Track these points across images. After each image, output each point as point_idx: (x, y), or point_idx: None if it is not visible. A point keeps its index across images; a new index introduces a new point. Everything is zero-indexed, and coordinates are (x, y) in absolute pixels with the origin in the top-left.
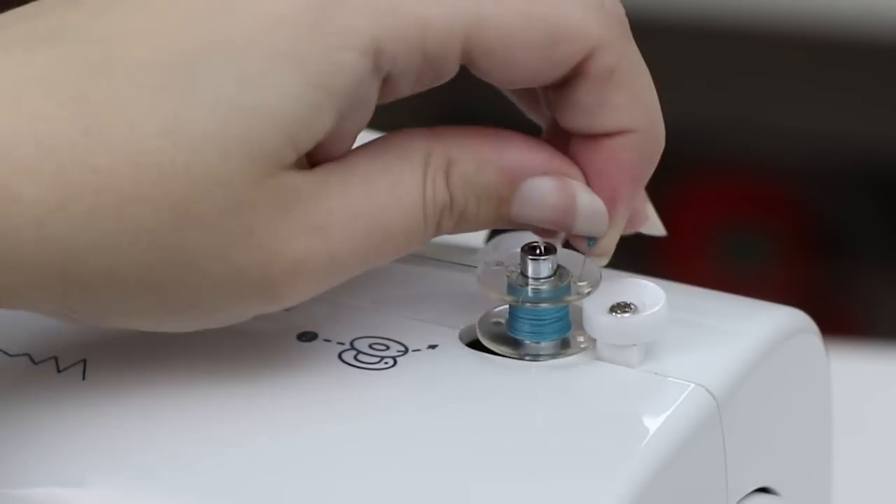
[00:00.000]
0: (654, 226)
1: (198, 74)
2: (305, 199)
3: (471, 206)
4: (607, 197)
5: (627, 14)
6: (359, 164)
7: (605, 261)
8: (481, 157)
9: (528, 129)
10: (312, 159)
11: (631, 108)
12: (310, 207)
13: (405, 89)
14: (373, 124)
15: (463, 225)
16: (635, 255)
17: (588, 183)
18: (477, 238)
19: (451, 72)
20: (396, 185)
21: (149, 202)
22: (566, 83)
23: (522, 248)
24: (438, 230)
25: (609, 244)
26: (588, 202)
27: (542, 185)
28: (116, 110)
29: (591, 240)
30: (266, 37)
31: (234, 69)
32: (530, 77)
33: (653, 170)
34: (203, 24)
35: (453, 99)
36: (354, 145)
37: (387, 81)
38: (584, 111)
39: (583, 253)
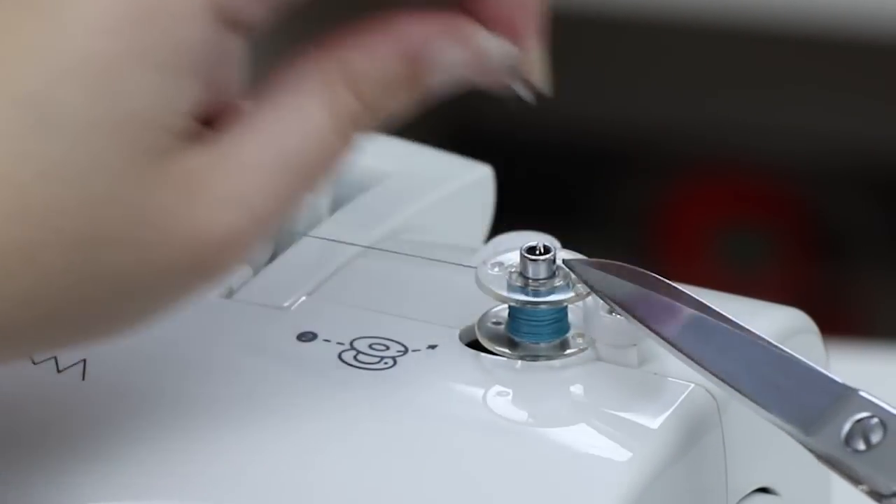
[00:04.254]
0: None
1: (50, 106)
2: (208, 174)
3: (384, 100)
4: (510, 33)
5: (628, 14)
6: (258, 116)
7: (544, 75)
8: (375, 50)
9: (535, 138)
10: (207, 123)
11: None
12: (218, 180)
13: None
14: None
15: (385, 117)
16: (635, 256)
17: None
18: (477, 238)
19: None
20: (303, 121)
21: (49, 248)
22: None
23: (522, 249)
24: (364, 134)
25: (533, 59)
26: (491, 38)
27: (444, 47)
28: None
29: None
30: (100, 42)
31: (78, 88)
32: None
33: None
34: (40, 53)
35: (461, 115)
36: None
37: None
38: None
39: (525, 89)
